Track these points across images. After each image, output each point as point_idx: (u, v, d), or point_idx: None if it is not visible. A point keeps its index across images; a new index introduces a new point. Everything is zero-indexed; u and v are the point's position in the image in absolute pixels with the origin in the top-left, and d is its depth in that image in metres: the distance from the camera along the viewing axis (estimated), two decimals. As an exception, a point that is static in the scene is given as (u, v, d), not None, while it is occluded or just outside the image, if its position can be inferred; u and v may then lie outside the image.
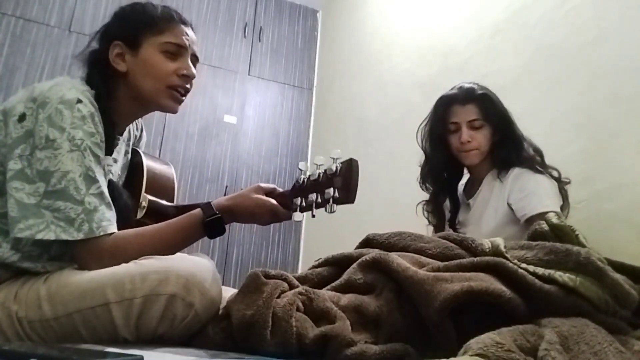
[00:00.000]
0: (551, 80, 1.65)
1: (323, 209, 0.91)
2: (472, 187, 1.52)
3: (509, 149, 1.38)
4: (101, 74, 0.97)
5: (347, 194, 0.86)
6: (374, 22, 2.96)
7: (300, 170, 0.98)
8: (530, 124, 1.69)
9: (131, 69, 0.98)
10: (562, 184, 1.33)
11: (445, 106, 1.44)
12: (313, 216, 0.93)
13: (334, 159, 0.90)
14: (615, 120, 1.40)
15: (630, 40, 1.40)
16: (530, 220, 1.26)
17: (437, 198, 1.53)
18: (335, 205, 0.87)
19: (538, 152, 1.39)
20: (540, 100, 1.68)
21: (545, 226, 0.89)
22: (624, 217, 1.32)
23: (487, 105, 1.38)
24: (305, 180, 0.96)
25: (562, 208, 1.31)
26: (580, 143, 1.49)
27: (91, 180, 0.84)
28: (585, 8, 1.57)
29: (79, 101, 0.86)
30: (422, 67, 2.40)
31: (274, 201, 0.97)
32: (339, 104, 3.25)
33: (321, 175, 0.92)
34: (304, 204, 0.94)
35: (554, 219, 0.89)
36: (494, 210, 1.40)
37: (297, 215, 0.94)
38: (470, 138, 1.38)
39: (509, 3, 1.90)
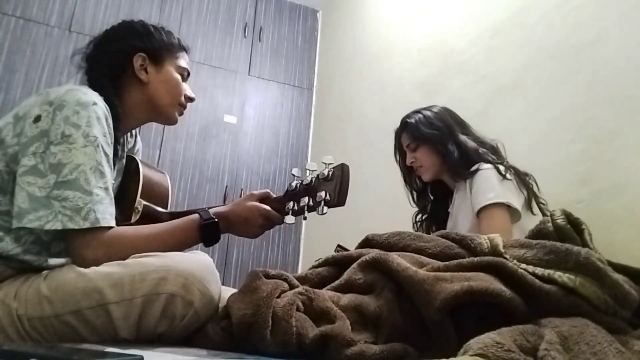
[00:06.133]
0: (551, 80, 1.65)
1: (315, 211, 0.94)
2: (450, 197, 1.60)
3: (454, 157, 1.48)
4: (114, 80, 1.04)
5: (338, 197, 0.89)
6: (374, 22, 2.96)
7: (294, 175, 1.02)
8: (530, 124, 1.70)
9: (153, 81, 1.09)
10: (504, 169, 1.39)
11: (397, 140, 1.67)
12: (304, 218, 0.97)
13: (326, 164, 0.94)
14: (615, 120, 1.40)
15: (630, 40, 1.40)
16: (479, 214, 1.37)
17: (426, 222, 1.66)
18: (325, 207, 0.91)
19: (491, 147, 1.49)
20: (541, 100, 1.68)
21: (550, 226, 0.88)
22: (624, 217, 1.32)
23: (413, 130, 1.56)
24: (298, 185, 0.99)
25: (527, 189, 1.39)
26: (580, 143, 1.49)
27: (100, 174, 0.87)
28: (585, 8, 1.57)
29: (95, 103, 0.90)
30: (422, 67, 2.40)
31: (266, 206, 1.01)
32: (339, 104, 3.25)
33: (313, 180, 0.96)
34: (296, 207, 0.97)
35: (560, 220, 0.88)
36: (465, 214, 1.46)
37: (288, 218, 0.98)
38: (413, 159, 1.58)
39: (509, 3, 1.90)
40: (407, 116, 1.61)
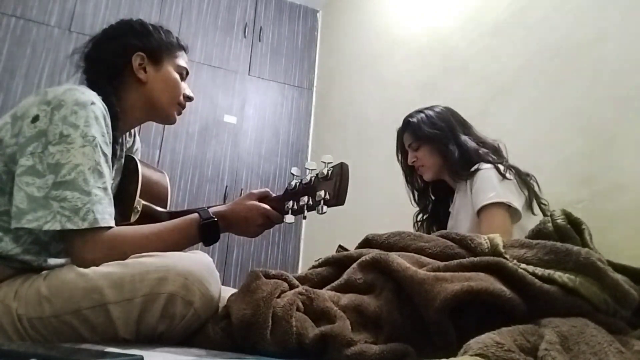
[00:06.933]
0: (551, 80, 1.65)
1: (314, 211, 0.94)
2: (451, 197, 1.60)
3: (454, 157, 1.49)
4: (112, 79, 1.04)
5: (338, 196, 0.90)
6: (374, 22, 2.96)
7: (293, 175, 1.02)
8: (530, 124, 1.70)
9: (151, 81, 1.08)
10: (504, 169, 1.40)
11: (399, 139, 1.67)
12: (304, 218, 0.97)
13: (325, 163, 0.94)
14: (615, 121, 1.40)
15: (630, 40, 1.40)
16: (479, 214, 1.38)
17: (427, 222, 1.67)
18: (325, 206, 0.91)
19: (492, 147, 1.50)
20: (541, 100, 1.68)
21: (550, 226, 0.88)
22: (624, 217, 1.32)
23: (415, 129, 1.56)
24: (297, 184, 1.00)
25: (528, 189, 1.40)
26: (580, 143, 1.49)
27: (99, 174, 0.87)
28: (585, 8, 1.57)
29: (93, 103, 0.90)
30: (422, 67, 2.40)
31: (265, 205, 1.01)
32: (339, 104, 3.25)
33: (313, 179, 0.96)
34: (295, 207, 0.97)
35: (560, 220, 0.88)
36: (465, 214, 1.46)
37: (288, 218, 0.98)
38: (415, 158, 1.58)
39: (509, 3, 1.90)
40: (410, 115, 1.61)
